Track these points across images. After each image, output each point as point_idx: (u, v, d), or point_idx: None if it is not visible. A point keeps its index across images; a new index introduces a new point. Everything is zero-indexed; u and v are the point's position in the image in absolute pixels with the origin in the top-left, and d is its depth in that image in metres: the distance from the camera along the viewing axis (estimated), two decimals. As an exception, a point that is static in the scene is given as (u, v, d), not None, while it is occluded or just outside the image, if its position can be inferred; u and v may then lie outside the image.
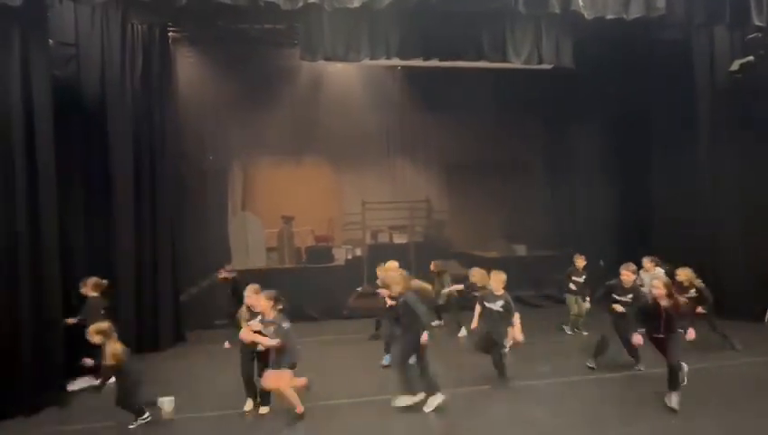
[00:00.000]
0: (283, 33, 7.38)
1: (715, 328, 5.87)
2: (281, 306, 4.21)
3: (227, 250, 8.74)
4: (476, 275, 5.93)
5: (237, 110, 8.82)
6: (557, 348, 6.26)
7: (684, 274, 5.83)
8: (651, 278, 6.79)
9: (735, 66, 7.05)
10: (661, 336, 4.28)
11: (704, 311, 5.73)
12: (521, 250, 9.28)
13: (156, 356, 6.28)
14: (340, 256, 8.92)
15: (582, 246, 9.11)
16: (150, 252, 6.56)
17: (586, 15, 5.81)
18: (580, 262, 6.89)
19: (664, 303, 4.19)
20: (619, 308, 5.06)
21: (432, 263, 7.24)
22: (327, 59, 6.32)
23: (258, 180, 9.65)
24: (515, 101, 9.12)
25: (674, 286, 4.27)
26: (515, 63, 6.69)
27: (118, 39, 5.90)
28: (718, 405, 4.41)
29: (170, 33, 7.39)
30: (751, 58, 6.79)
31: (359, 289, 8.47)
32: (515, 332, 4.78)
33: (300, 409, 4.17)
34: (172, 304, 6.92)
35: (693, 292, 5.84)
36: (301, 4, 5.23)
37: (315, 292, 8.33)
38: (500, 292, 4.92)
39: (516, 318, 4.83)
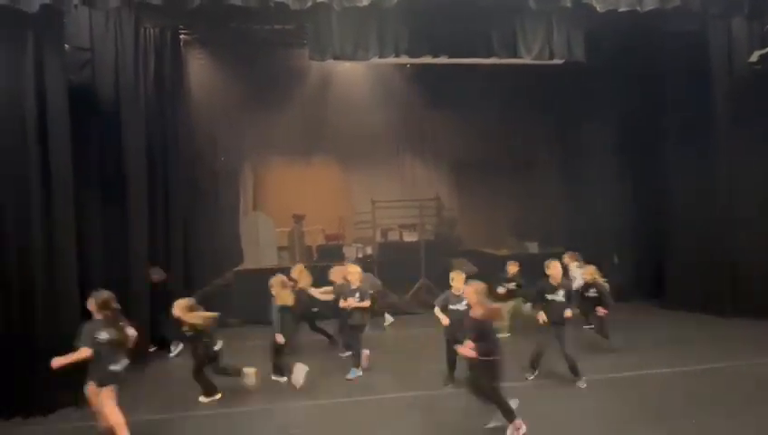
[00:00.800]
0: (293, 33, 7.43)
1: (601, 330, 5.91)
2: (107, 313, 3.76)
3: (239, 250, 8.83)
4: (336, 273, 5.96)
5: (248, 110, 8.90)
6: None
7: (589, 272, 5.93)
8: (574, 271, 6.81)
9: (755, 57, 6.84)
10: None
11: (604, 311, 5.78)
12: (533, 247, 9.18)
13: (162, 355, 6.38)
14: (351, 254, 8.94)
15: (596, 243, 9.03)
16: (164, 252, 6.67)
17: (598, 8, 5.72)
18: (513, 268, 6.77)
19: (477, 311, 3.88)
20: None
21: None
22: (336, 58, 6.33)
23: (269, 180, 9.73)
24: (526, 97, 9.02)
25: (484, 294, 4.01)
26: (526, 59, 6.61)
27: (131, 43, 5.99)
28: (734, 405, 4.31)
29: (182, 36, 7.49)
30: (771, 49, 6.59)
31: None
32: None
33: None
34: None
35: (593, 291, 5.92)
36: (309, 3, 5.25)
37: (326, 290, 8.38)
38: (460, 291, 4.73)
39: None
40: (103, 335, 3.63)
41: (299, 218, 9.06)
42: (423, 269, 8.63)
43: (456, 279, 4.82)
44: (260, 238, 8.70)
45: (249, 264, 8.61)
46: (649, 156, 8.57)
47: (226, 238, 8.80)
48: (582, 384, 4.81)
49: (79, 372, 3.80)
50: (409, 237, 9.23)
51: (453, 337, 4.64)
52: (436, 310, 4.87)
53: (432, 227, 9.72)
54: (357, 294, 5.25)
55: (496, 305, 4.20)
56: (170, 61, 6.81)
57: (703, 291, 7.50)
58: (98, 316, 3.75)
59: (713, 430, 3.91)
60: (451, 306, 4.78)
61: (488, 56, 6.68)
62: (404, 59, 6.95)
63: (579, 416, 4.24)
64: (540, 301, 4.99)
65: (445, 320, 4.77)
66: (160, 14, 6.23)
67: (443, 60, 6.92)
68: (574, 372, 4.83)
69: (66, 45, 5.31)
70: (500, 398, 3.76)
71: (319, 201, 9.46)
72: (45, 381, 4.42)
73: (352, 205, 9.86)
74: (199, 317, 4.60)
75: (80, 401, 4.71)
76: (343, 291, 5.41)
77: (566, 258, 6.66)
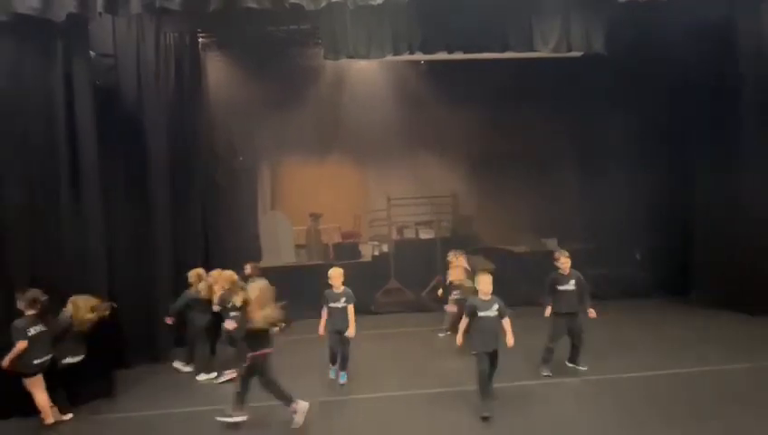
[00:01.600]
0: (307, 33, 7.49)
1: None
2: (35, 309, 4.17)
3: (258, 248, 8.99)
4: (193, 276, 5.58)
5: (265, 110, 9.03)
6: (588, 346, 6.07)
7: (455, 274, 5.93)
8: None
9: (787, 45, 6.55)
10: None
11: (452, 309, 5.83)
12: (551, 244, 9.04)
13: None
14: (367, 252, 9.00)
15: (617, 239, 8.83)
16: (186, 252, 6.85)
17: (618, -2, 5.56)
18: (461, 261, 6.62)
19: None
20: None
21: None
22: (350, 57, 6.36)
23: (286, 179, 9.86)
24: (543, 91, 8.85)
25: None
26: (543, 53, 6.49)
27: (152, 47, 6.19)
28: (763, 406, 4.17)
29: (200, 39, 7.66)
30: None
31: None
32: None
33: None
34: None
35: (457, 293, 5.92)
36: (324, 3, 5.28)
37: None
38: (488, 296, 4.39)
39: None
40: (32, 331, 4.12)
41: (316, 217, 9.16)
42: (439, 266, 8.62)
43: (481, 282, 4.35)
44: (278, 237, 8.85)
45: (267, 262, 8.77)
46: (673, 150, 8.32)
47: (246, 237, 8.97)
48: (583, 367, 4.92)
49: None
50: (425, 235, 9.22)
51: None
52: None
53: (448, 223, 9.67)
54: (343, 299, 4.94)
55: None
56: (190, 64, 6.98)
57: (729, 288, 7.24)
58: (28, 313, 4.17)
59: (741, 431, 3.79)
60: (481, 313, 4.25)
61: (503, 51, 6.59)
62: (418, 56, 6.93)
63: (600, 415, 4.18)
64: (551, 293, 4.96)
65: (459, 340, 4.45)
66: (179, 18, 6.38)
67: (457, 56, 6.86)
68: (574, 356, 4.94)
69: (92, 52, 5.53)
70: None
71: (335, 199, 9.54)
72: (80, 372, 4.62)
73: (368, 203, 9.90)
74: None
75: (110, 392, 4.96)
76: (329, 296, 5.01)
77: (452, 255, 6.60)
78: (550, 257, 8.86)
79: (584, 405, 4.40)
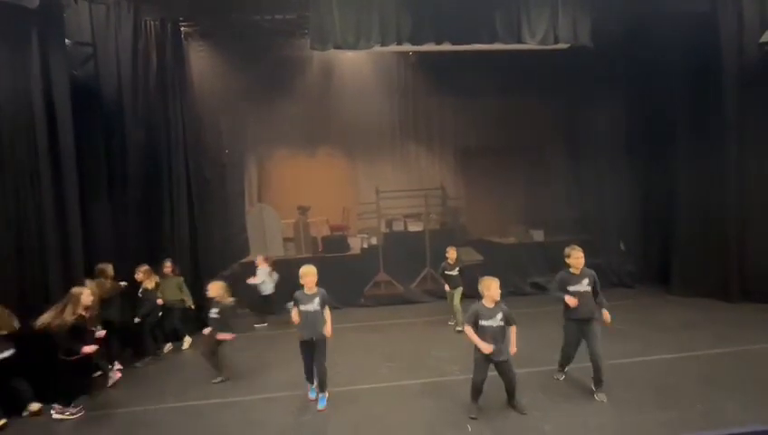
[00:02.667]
0: (294, 23, 7.34)
1: (210, 356, 5.28)
2: None
3: (245, 241, 8.88)
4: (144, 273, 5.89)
5: (251, 101, 8.86)
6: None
7: (215, 288, 5.14)
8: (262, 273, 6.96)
9: (766, 38, 6.67)
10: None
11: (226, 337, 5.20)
12: (538, 236, 9.15)
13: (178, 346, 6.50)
14: (356, 245, 8.96)
15: (602, 230, 8.98)
16: (170, 246, 6.73)
17: (605, -10, 5.57)
18: (453, 254, 6.48)
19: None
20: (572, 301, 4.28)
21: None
22: (337, 47, 6.26)
23: (273, 171, 9.73)
24: (532, 83, 8.87)
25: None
26: (531, 44, 6.50)
27: (130, 35, 5.99)
28: (742, 389, 4.31)
29: (182, 28, 7.43)
30: (783, 28, 6.42)
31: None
32: None
33: None
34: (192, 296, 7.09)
35: (214, 312, 5.37)
36: (310, -8, 5.18)
37: (332, 281, 8.40)
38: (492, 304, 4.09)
39: None
40: None
41: (304, 210, 9.07)
42: (428, 259, 8.65)
43: (490, 287, 4.00)
44: (265, 230, 8.74)
45: (255, 255, 8.68)
46: (658, 142, 8.44)
47: (232, 230, 8.85)
48: (603, 398, 4.22)
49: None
50: (414, 227, 9.22)
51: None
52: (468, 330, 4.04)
53: (437, 216, 9.69)
54: (316, 301, 4.32)
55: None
56: (171, 53, 6.77)
57: (710, 277, 7.44)
58: None
59: (721, 413, 3.91)
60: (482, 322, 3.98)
61: (492, 42, 6.58)
62: (407, 47, 6.87)
63: (585, 401, 4.26)
64: (562, 293, 4.33)
65: (486, 347, 3.90)
66: (159, 5, 6.19)
67: (446, 47, 6.82)
68: (597, 378, 4.24)
69: (68, 40, 5.32)
70: None
71: (323, 192, 9.46)
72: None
73: (357, 195, 9.85)
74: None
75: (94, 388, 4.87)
76: (299, 298, 4.36)
77: (258, 259, 6.40)
78: (538, 248, 8.97)
79: (571, 390, 4.48)
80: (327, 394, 4.46)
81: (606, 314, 4.33)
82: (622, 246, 8.99)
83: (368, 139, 9.48)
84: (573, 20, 6.47)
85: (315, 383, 4.51)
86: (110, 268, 5.78)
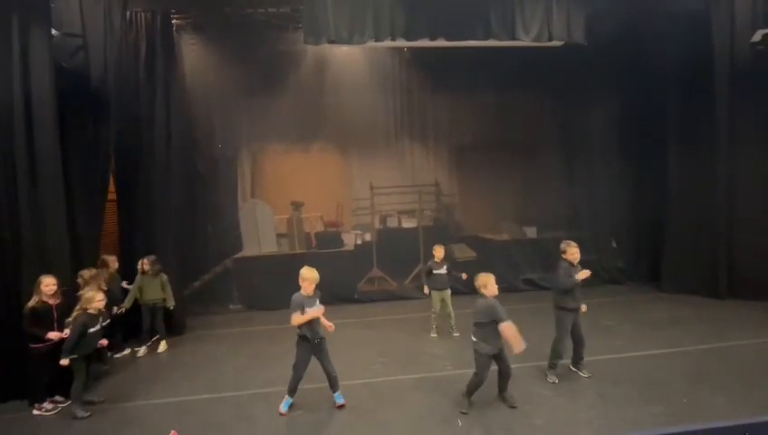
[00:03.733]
0: (287, 16, 7.28)
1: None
2: None
3: (238, 237, 8.83)
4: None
5: (243, 96, 8.78)
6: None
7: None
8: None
9: (758, 37, 6.72)
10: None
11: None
12: (531, 232, 9.20)
13: (176, 342, 6.47)
14: (350, 241, 8.95)
15: (595, 228, 9.05)
16: (161, 241, 6.66)
17: (599, -12, 5.59)
18: (440, 252, 6.19)
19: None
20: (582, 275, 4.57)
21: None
22: (331, 42, 6.23)
23: (267, 167, 9.65)
24: (527, 81, 8.89)
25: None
26: (525, 41, 6.51)
27: (120, 27, 5.88)
28: (729, 384, 4.38)
29: (174, 21, 7.34)
30: (775, 28, 6.48)
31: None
32: None
33: None
34: (182, 293, 7.06)
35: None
36: (304, -15, 5.13)
37: (326, 277, 8.38)
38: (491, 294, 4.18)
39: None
40: None
41: (297, 205, 9.03)
42: (422, 255, 8.67)
43: (487, 284, 4.13)
44: (259, 225, 8.70)
45: (248, 251, 8.65)
46: (650, 141, 8.51)
47: (225, 226, 8.79)
48: (586, 374, 4.69)
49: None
50: (408, 223, 9.22)
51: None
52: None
53: (431, 212, 9.70)
54: (317, 301, 4.29)
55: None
56: (162, 45, 6.66)
57: (699, 274, 7.54)
58: None
59: (707, 408, 3.98)
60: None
61: (486, 38, 6.57)
62: (401, 42, 6.84)
63: (574, 395, 4.31)
64: (570, 284, 4.51)
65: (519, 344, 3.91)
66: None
67: (440, 43, 6.80)
68: (581, 356, 4.68)
69: (57, 31, 5.22)
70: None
71: (317, 188, 9.41)
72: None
73: (351, 191, 9.82)
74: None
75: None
76: (305, 302, 4.24)
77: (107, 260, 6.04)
78: (531, 245, 9.02)
79: (560, 386, 4.53)
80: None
81: (583, 305, 4.67)
82: (614, 244, 9.07)
83: (362, 134, 9.44)
84: (567, 17, 6.49)
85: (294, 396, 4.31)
86: (112, 260, 5.85)
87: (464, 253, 8.72)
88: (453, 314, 6.15)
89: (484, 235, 9.36)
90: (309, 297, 4.25)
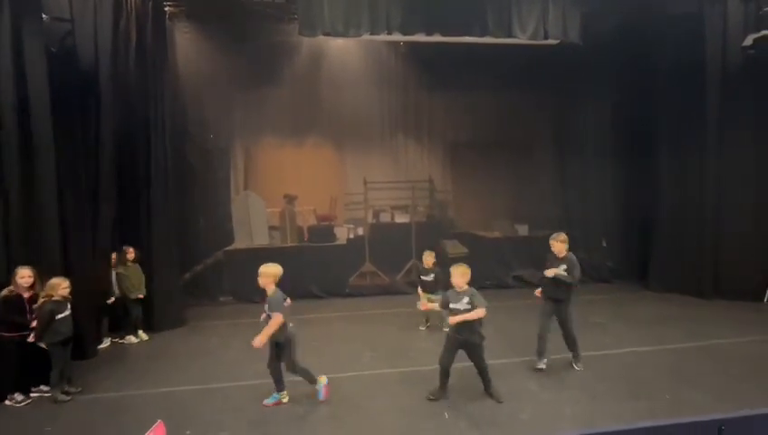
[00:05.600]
0: (283, 7, 7.21)
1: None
2: None
3: (230, 229, 8.79)
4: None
5: (237, 86, 8.70)
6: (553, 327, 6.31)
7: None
8: None
9: (749, 41, 6.81)
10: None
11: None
12: (523, 230, 9.27)
13: (168, 334, 6.44)
14: (342, 235, 8.95)
15: (585, 227, 9.14)
16: (151, 232, 6.61)
17: (595, -12, 5.60)
18: (428, 260, 6.15)
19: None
20: (550, 273, 4.68)
21: None
22: (326, 34, 6.18)
23: (260, 159, 9.59)
24: (522, 78, 8.91)
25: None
26: (521, 39, 6.51)
27: (110, 12, 5.77)
28: (715, 382, 4.47)
29: (167, 8, 7.23)
30: (766, 32, 6.55)
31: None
32: None
33: None
34: (176, 284, 7.01)
35: None
36: (299, -25, 5.08)
37: (318, 270, 8.43)
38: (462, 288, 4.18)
39: None
40: None
41: (290, 198, 9.00)
42: (414, 251, 8.70)
43: (454, 274, 4.17)
44: (251, 218, 8.66)
45: (240, 243, 8.61)
46: (641, 142, 8.59)
47: (217, 218, 8.74)
48: (579, 367, 4.81)
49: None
50: (401, 219, 9.24)
51: None
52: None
53: (424, 208, 9.73)
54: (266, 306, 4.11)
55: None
56: (153, 33, 6.54)
57: (686, 274, 7.67)
58: None
59: (689, 403, 4.06)
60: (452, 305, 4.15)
61: (483, 35, 6.57)
62: (396, 36, 6.81)
63: (560, 391, 4.37)
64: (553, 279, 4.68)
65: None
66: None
67: (436, 38, 6.79)
68: (574, 350, 4.82)
69: (46, 15, 5.11)
70: None
71: (311, 181, 9.37)
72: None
73: (344, 185, 9.80)
74: None
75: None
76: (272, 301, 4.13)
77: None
78: (522, 242, 9.08)
79: (547, 381, 4.59)
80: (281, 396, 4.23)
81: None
82: (604, 243, 9.17)
83: (356, 129, 9.41)
84: (563, 16, 6.51)
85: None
86: (129, 251, 5.99)
87: (456, 249, 8.76)
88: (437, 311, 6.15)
89: (476, 231, 9.41)
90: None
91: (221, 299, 8.27)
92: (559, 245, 4.77)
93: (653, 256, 8.25)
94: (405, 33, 6.51)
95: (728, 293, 7.26)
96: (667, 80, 7.86)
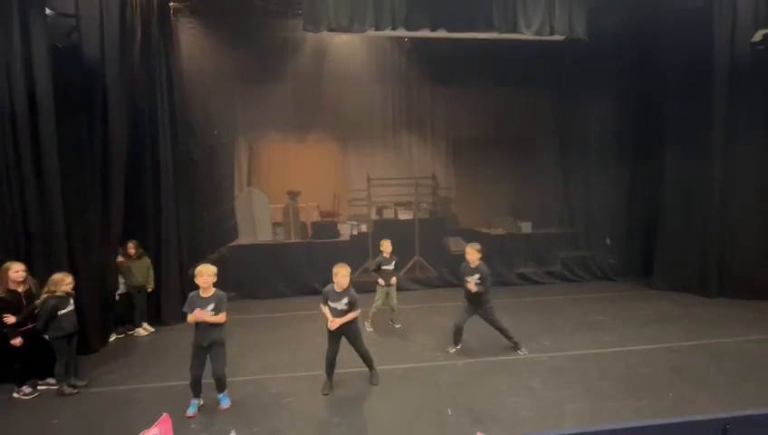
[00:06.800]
0: (287, 2, 7.19)
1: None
2: None
3: (234, 225, 8.82)
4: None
5: (241, 82, 8.71)
6: (556, 325, 6.32)
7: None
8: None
9: (758, 37, 6.72)
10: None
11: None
12: (526, 227, 9.25)
13: (167, 330, 6.49)
14: (346, 231, 8.96)
15: (588, 224, 9.11)
16: (157, 226, 6.64)
17: (601, -17, 5.55)
18: (387, 246, 6.18)
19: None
20: (472, 287, 4.94)
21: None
22: (331, 30, 6.16)
23: (264, 155, 9.62)
24: (527, 74, 8.86)
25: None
26: (526, 35, 6.47)
27: (117, 8, 5.78)
28: (718, 381, 4.46)
29: (171, 3, 7.23)
30: (775, 28, 6.47)
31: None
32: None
33: None
34: (181, 278, 7.05)
35: None
36: (304, -29, 5.06)
37: (321, 267, 8.43)
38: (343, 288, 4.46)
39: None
40: None
41: (294, 195, 9.02)
42: (417, 247, 8.71)
43: (337, 274, 4.44)
44: (255, 214, 8.68)
45: (244, 239, 8.65)
46: (646, 139, 8.52)
47: (221, 213, 8.78)
48: (524, 352, 5.12)
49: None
50: (404, 215, 9.24)
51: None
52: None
53: (427, 205, 9.72)
54: (212, 305, 4.01)
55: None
56: (158, 28, 6.56)
57: (690, 273, 7.63)
58: None
59: (691, 403, 4.06)
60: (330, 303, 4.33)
61: (488, 30, 6.53)
62: (401, 32, 6.78)
63: (562, 388, 4.39)
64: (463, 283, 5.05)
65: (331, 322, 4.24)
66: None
67: (441, 34, 6.75)
68: (510, 339, 5.14)
69: (51, 11, 5.13)
70: None
71: (314, 178, 9.39)
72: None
73: (348, 182, 9.82)
74: None
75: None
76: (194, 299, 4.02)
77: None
78: (525, 240, 9.06)
79: (548, 379, 4.60)
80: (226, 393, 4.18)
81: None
82: (608, 241, 9.14)
83: (360, 125, 9.41)
84: (569, 12, 6.46)
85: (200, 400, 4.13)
86: (130, 245, 6.03)
87: (459, 246, 8.75)
88: (396, 308, 6.31)
89: (479, 228, 9.40)
90: (202, 297, 3.98)
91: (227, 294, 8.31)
92: (474, 254, 4.97)
93: (657, 254, 8.21)
94: (409, 29, 6.47)
95: (732, 292, 7.23)
96: (673, 76, 7.78)
